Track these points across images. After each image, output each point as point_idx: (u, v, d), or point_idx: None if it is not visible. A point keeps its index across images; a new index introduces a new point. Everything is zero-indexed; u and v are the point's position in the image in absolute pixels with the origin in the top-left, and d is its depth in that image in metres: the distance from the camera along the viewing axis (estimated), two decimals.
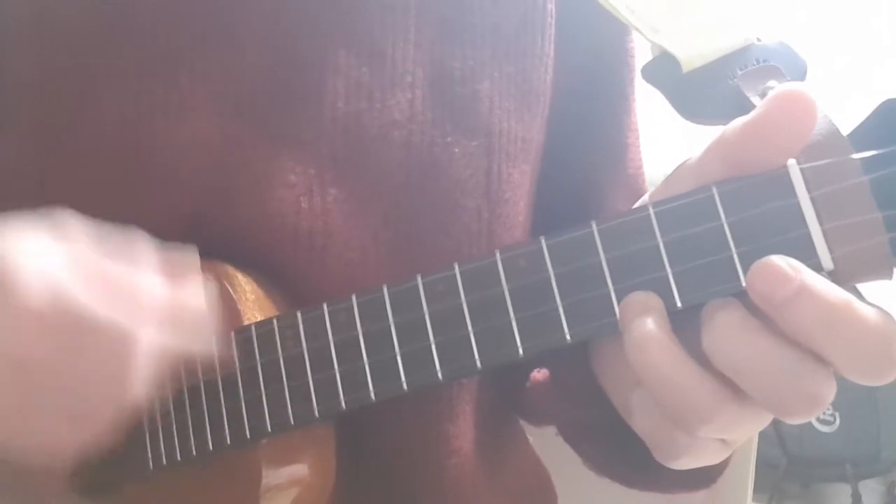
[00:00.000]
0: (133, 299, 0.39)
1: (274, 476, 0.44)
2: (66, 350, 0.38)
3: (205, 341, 0.42)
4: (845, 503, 1.82)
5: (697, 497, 0.89)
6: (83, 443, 0.40)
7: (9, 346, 0.37)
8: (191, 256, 0.43)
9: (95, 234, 0.41)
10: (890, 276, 0.31)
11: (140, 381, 0.39)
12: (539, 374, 0.55)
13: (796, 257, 0.32)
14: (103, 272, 0.40)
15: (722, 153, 0.34)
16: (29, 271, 0.38)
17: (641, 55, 0.58)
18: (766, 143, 0.33)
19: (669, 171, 0.37)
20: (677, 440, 0.35)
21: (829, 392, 0.32)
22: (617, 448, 0.50)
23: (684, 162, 0.36)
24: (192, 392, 0.45)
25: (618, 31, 0.59)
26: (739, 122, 0.33)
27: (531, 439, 0.65)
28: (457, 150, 0.51)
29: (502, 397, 0.60)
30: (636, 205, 0.39)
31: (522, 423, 0.65)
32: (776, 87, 0.32)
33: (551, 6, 0.55)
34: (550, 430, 0.62)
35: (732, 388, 0.33)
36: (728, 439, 0.35)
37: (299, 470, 0.46)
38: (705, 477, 0.49)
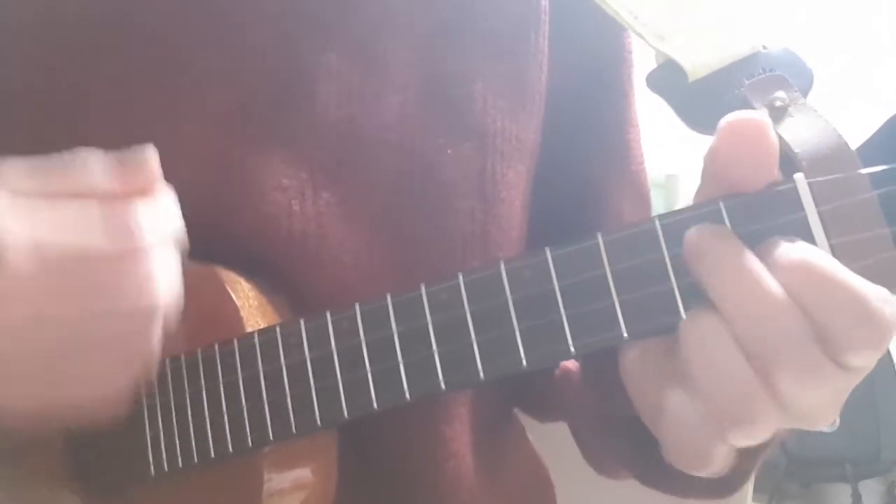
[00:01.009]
0: (122, 226, 0.38)
1: (276, 481, 0.44)
2: (81, 295, 0.37)
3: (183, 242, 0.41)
4: (845, 503, 1.82)
5: None
6: (130, 378, 0.39)
7: (16, 313, 0.36)
8: (148, 162, 0.40)
9: (38, 169, 0.39)
10: None
11: (164, 289, 0.38)
12: (570, 363, 0.55)
13: None
14: (67, 208, 0.38)
15: (711, 174, 0.34)
16: (8, 241, 0.36)
17: (639, 51, 0.57)
18: (728, 174, 0.33)
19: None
20: (709, 446, 0.34)
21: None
22: (644, 445, 0.50)
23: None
24: (193, 398, 0.45)
25: (614, 28, 0.58)
26: (709, 148, 0.33)
27: (530, 437, 0.65)
28: (449, 151, 0.51)
29: (506, 393, 0.60)
30: None
31: (524, 422, 0.65)
32: (723, 119, 0.32)
33: (545, 3, 0.55)
34: (550, 430, 0.62)
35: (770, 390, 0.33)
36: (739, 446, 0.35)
37: (301, 475, 0.46)
38: (730, 485, 0.49)
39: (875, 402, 1.81)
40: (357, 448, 0.50)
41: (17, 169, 0.39)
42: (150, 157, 0.40)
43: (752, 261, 0.32)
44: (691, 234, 0.33)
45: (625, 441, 0.52)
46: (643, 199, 0.60)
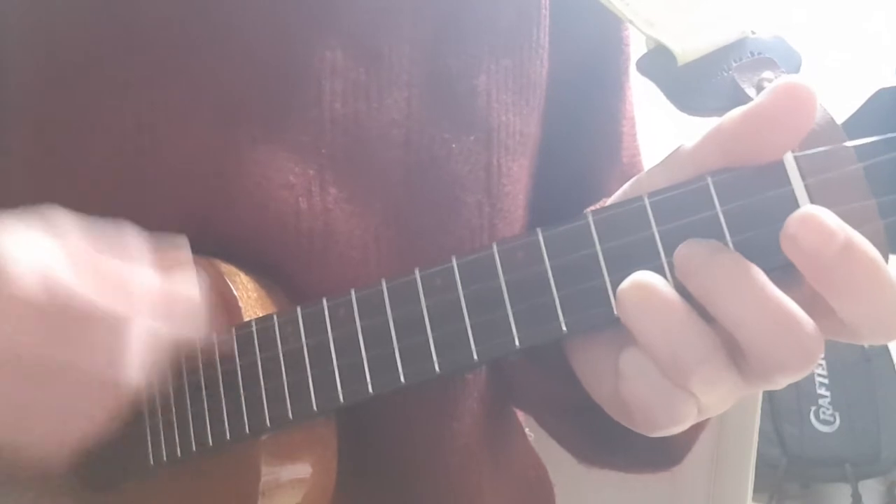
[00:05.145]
0: (125, 289, 0.39)
1: (273, 473, 0.44)
2: (59, 339, 0.38)
3: (197, 329, 0.42)
4: (845, 503, 1.82)
5: (697, 497, 0.89)
6: (81, 435, 0.40)
7: (1, 337, 0.37)
8: (182, 248, 0.43)
9: (86, 227, 0.41)
10: (886, 262, 0.32)
11: (135, 368, 0.39)
12: None
13: None
14: (95, 263, 0.40)
15: (719, 143, 0.34)
16: (20, 261, 0.37)
17: (636, 45, 0.58)
18: (764, 136, 0.32)
19: None
20: (672, 400, 0.34)
21: (820, 349, 0.32)
22: (583, 423, 0.50)
23: (679, 148, 0.36)
24: (192, 387, 0.45)
25: (611, 20, 0.58)
26: (738, 111, 0.33)
27: (532, 436, 0.66)
28: (454, 146, 0.51)
29: (503, 387, 0.60)
30: (626, 186, 0.39)
31: (520, 418, 0.65)
32: (777, 79, 0.32)
33: None
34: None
35: (723, 338, 0.33)
36: (704, 402, 0.34)
37: (299, 468, 0.46)
38: (671, 457, 0.49)
39: (875, 402, 1.81)
40: (359, 442, 0.50)
41: (69, 219, 0.41)
42: (184, 243, 0.43)
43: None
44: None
45: (562, 420, 0.53)
46: None
